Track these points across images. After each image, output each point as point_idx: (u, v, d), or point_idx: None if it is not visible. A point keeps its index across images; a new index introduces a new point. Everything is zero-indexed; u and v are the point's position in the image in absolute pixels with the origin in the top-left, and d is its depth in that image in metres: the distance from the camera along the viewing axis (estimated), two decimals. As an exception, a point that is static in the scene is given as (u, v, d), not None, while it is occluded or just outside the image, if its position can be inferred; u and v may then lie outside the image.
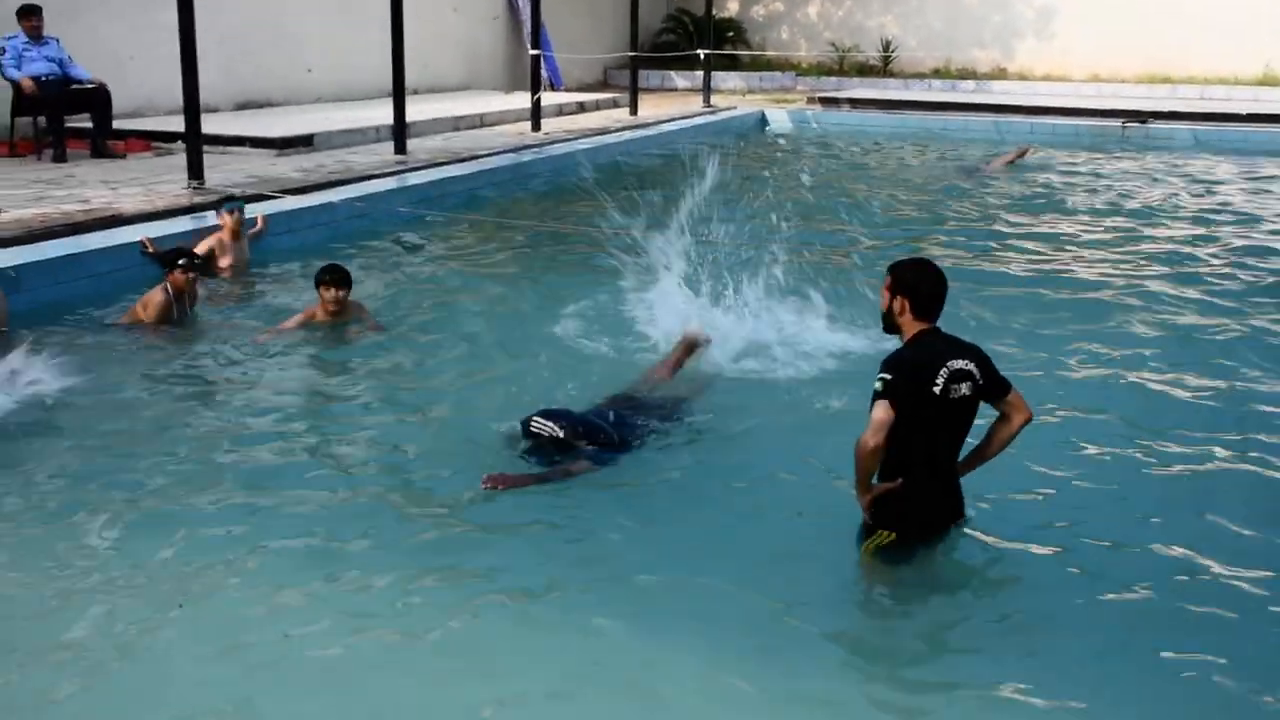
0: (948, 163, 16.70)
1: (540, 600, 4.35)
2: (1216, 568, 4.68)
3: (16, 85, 12.43)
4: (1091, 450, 5.82)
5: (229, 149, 13.34)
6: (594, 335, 7.36)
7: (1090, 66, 25.23)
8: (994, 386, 4.53)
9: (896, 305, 4.52)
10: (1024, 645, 4.17)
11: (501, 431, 5.71)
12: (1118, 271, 9.82)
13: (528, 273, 9.52)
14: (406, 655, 4.01)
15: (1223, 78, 23.80)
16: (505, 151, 14.74)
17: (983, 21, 26.44)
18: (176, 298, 7.59)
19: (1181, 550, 4.81)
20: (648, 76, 25.34)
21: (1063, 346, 7.53)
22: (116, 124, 13.31)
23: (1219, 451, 5.85)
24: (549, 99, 19.03)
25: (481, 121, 17.59)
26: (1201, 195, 13.96)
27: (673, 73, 26.45)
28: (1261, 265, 10.06)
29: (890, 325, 4.60)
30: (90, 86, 12.84)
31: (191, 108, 10.83)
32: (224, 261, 8.86)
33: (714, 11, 24.56)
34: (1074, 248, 10.87)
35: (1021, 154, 16.10)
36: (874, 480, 4.46)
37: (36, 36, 12.59)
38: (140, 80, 14.77)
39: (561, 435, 5.32)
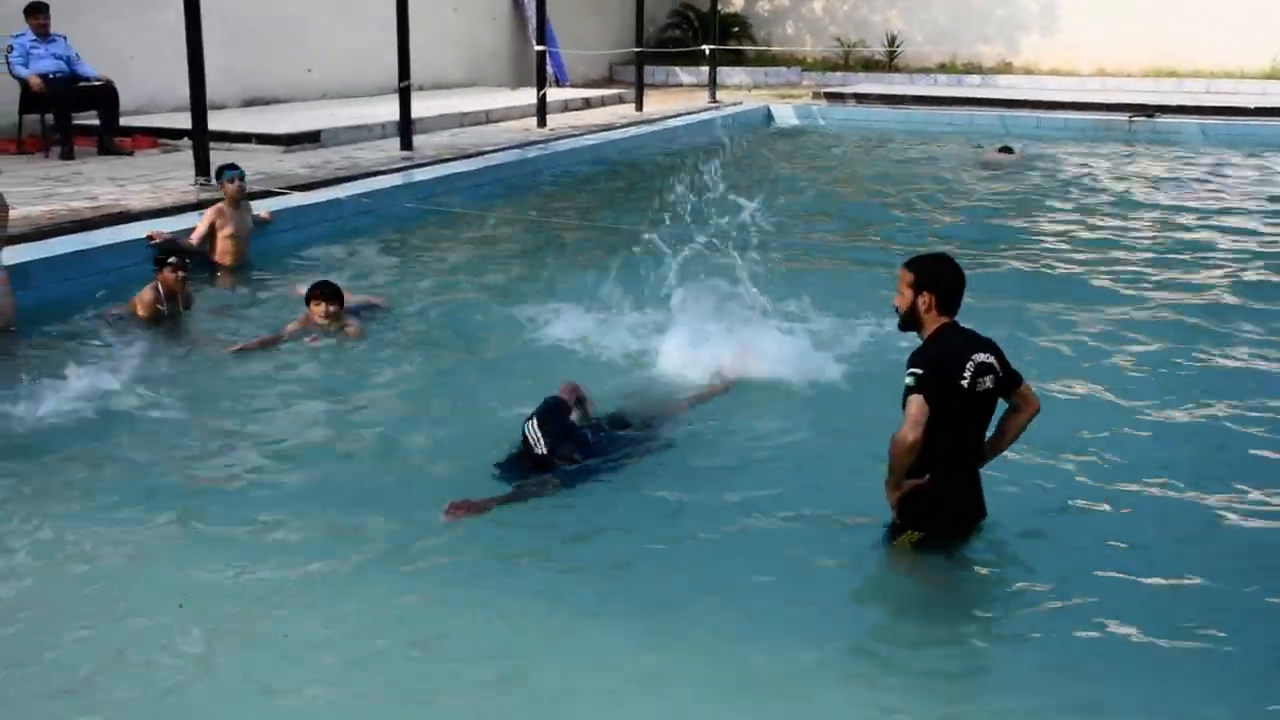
0: (951, 157, 16.69)
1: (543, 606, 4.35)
2: (1239, 557, 4.70)
3: (24, 83, 12.48)
4: (1111, 444, 5.83)
5: (235, 145, 13.36)
6: (595, 339, 7.23)
7: (1096, 61, 25.17)
8: (1010, 379, 4.54)
9: (920, 302, 4.49)
10: (1052, 642, 4.16)
11: (489, 435, 5.68)
12: (1123, 265, 9.82)
13: (531, 270, 9.51)
14: (403, 662, 4.00)
15: (1229, 71, 23.73)
16: (511, 148, 14.76)
17: (987, 16, 26.39)
18: (167, 297, 7.59)
19: (1207, 544, 4.83)
20: (653, 72, 25.31)
21: (1069, 338, 7.55)
22: (123, 121, 13.34)
23: (1241, 438, 5.87)
24: (555, 95, 19.04)
25: (487, 118, 17.60)
26: (1209, 189, 13.94)
27: (678, 68, 26.45)
28: (1276, 256, 10.06)
29: (910, 322, 4.57)
30: (97, 84, 12.88)
31: (198, 104, 10.86)
32: (225, 231, 8.87)
33: (719, 7, 24.55)
34: (1078, 241, 10.87)
35: (1008, 151, 16.01)
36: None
37: (44, 34, 12.63)
38: (143, 78, 14.79)
39: (543, 453, 5.24)
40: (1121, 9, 24.40)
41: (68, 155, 12.48)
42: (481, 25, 22.66)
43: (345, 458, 5.67)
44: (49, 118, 12.80)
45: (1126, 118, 19.38)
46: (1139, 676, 4.01)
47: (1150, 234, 11.27)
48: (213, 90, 12.86)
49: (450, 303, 8.39)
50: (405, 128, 14.01)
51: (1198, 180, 14.58)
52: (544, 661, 4.01)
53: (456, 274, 9.38)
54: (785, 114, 21.07)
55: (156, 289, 7.56)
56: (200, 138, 11.06)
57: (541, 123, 17.01)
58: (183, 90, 11.07)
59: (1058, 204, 12.88)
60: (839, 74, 26.25)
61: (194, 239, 8.78)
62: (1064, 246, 10.64)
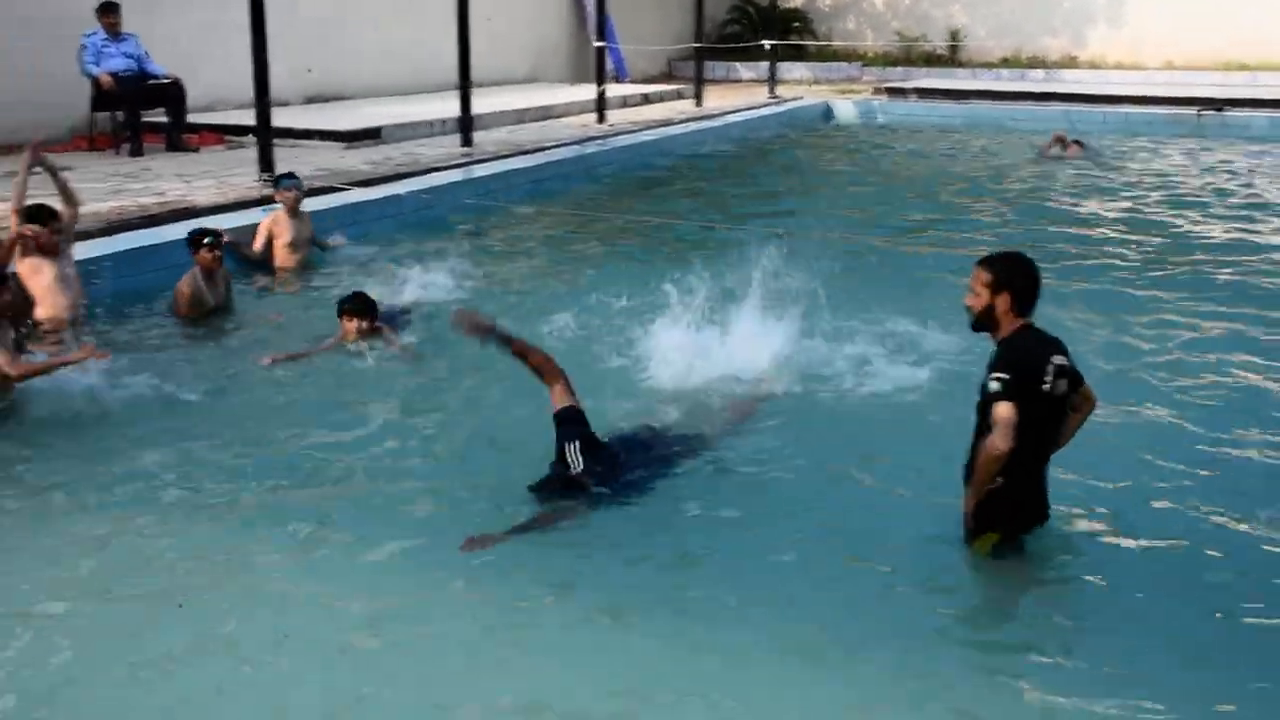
0: (1012, 152, 16.52)
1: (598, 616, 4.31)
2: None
3: (96, 81, 12.75)
4: (1174, 445, 5.74)
5: (299, 142, 13.57)
6: (640, 344, 6.95)
7: (1164, 54, 24.78)
8: (1077, 379, 4.47)
9: (999, 302, 4.39)
10: (1125, 645, 4.11)
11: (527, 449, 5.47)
12: (1190, 264, 9.68)
13: (583, 269, 9.44)
14: (453, 672, 3.99)
15: (1302, 64, 23.29)
16: (570, 143, 14.84)
17: (1053, 8, 26.08)
18: (206, 277, 7.75)
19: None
20: (713, 68, 25.29)
21: (1135, 337, 7.46)
22: (190, 118, 13.59)
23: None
24: (614, 91, 19.10)
25: (547, 114, 17.70)
26: None
27: (738, 64, 26.41)
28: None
29: (984, 323, 4.47)
30: (165, 82, 13.13)
31: (262, 102, 11.04)
32: (283, 239, 8.98)
33: (779, 2, 24.49)
34: (1141, 239, 10.73)
35: (1061, 142, 15.86)
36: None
37: (115, 33, 12.90)
38: (211, 76, 15.04)
39: (576, 474, 5.04)
40: (1191, 0, 24.02)
41: (137, 152, 12.73)
42: (542, 22, 22.78)
43: (372, 472, 5.52)
44: (119, 115, 13.07)
45: (1195, 112, 19.07)
46: (1210, 681, 3.96)
47: (1219, 233, 11.10)
48: (279, 87, 13.07)
49: (501, 303, 8.27)
50: (465, 124, 14.15)
51: (1267, 174, 14.33)
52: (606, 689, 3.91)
53: (511, 273, 9.38)
54: (845, 110, 21.00)
55: (194, 274, 7.72)
56: (264, 135, 11.24)
57: (601, 118, 17.09)
58: (249, 88, 11.23)
59: (1121, 200, 12.73)
60: (900, 69, 26.09)
61: (255, 247, 8.93)
62: (1126, 244, 10.50)
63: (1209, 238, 10.87)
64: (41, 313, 7.19)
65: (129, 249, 8.40)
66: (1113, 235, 10.88)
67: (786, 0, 27.59)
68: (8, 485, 5.28)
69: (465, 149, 13.85)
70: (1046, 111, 19.85)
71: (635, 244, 10.35)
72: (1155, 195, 13.00)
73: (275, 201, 9.14)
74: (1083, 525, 4.87)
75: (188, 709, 3.75)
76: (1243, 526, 4.94)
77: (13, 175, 7.45)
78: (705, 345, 6.68)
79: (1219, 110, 19.05)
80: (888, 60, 26.98)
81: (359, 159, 12.93)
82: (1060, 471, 4.73)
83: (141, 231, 8.87)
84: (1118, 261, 9.80)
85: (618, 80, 22.54)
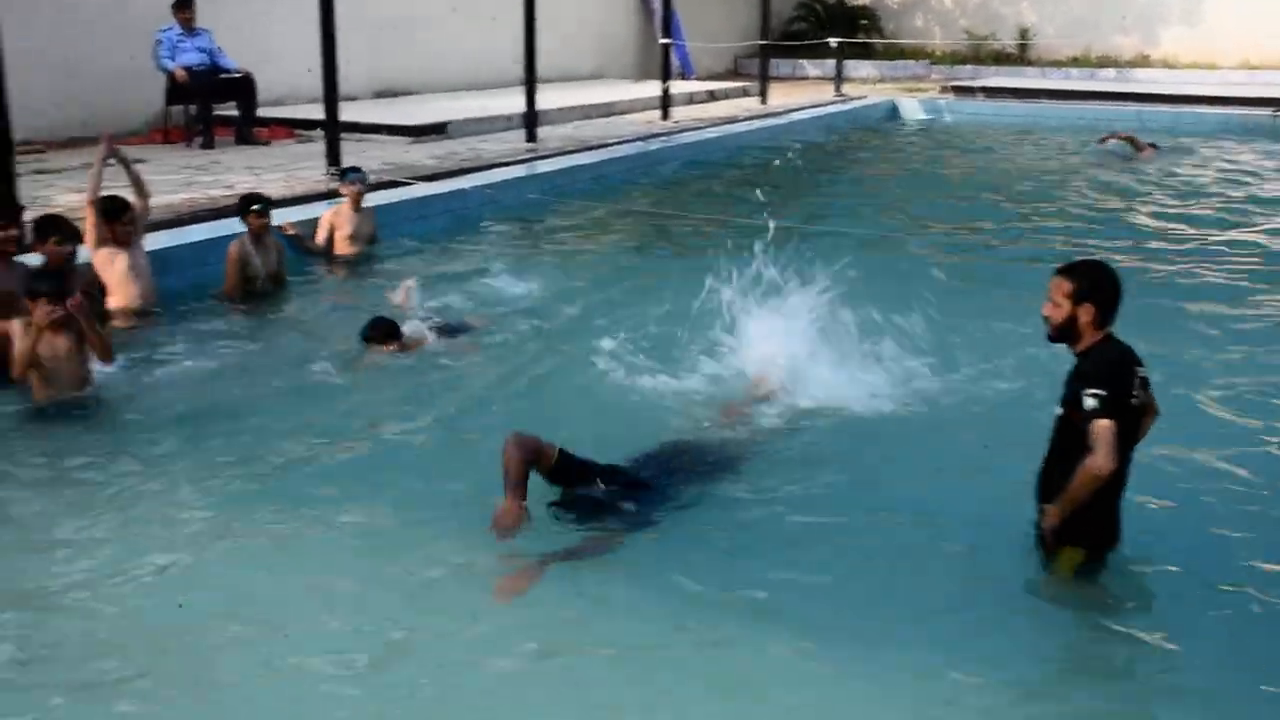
0: (1079, 153, 16.34)
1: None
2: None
3: (170, 75, 13.01)
4: (1262, 465, 5.57)
5: (366, 136, 13.76)
6: (694, 350, 6.76)
7: (1240, 53, 24.36)
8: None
9: (1081, 314, 4.25)
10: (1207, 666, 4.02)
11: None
12: (1260, 268, 9.52)
13: (638, 268, 9.47)
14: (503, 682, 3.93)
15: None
16: (633, 140, 14.90)
17: (1126, 6, 25.72)
18: (255, 242, 7.93)
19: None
20: (778, 65, 25.24)
21: (1203, 348, 7.30)
22: (261, 112, 13.82)
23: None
24: (679, 88, 19.14)
25: (612, 110, 17.78)
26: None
27: (804, 61, 26.34)
28: None
29: (1065, 335, 4.33)
30: (237, 76, 13.36)
31: (331, 96, 11.20)
32: (344, 231, 9.10)
33: (846, -1, 24.43)
34: (1214, 242, 10.57)
35: (1129, 141, 15.71)
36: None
37: (189, 28, 13.16)
38: (282, 70, 15.29)
39: (602, 498, 4.78)
40: (1268, -1, 23.60)
41: (208, 145, 12.97)
42: (609, 19, 22.88)
43: (416, 469, 5.44)
44: (192, 109, 13.32)
45: (1271, 112, 18.73)
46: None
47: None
48: (349, 81, 13.30)
49: (556, 303, 8.25)
50: (530, 120, 14.25)
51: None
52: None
53: (567, 269, 9.34)
54: (911, 108, 20.88)
55: (243, 240, 7.91)
56: (332, 129, 11.40)
57: (665, 115, 17.14)
58: (318, 82, 11.39)
59: (1192, 203, 12.54)
60: (968, 67, 25.89)
61: (318, 239, 9.08)
62: (1197, 248, 10.35)
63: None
64: (113, 302, 7.39)
65: (199, 240, 8.55)
66: (1181, 238, 10.73)
67: (854, -3, 27.49)
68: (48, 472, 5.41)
69: (529, 144, 13.95)
70: (1116, 111, 19.60)
71: (692, 241, 10.37)
72: (1227, 197, 12.79)
73: (341, 195, 9.27)
74: (1162, 545, 4.71)
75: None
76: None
77: (89, 167, 7.62)
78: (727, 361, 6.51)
79: (1294, 111, 18.69)
80: (955, 58, 26.77)
81: (424, 153, 13.08)
82: (1143, 487, 4.59)
83: (211, 223, 9.03)
84: (1186, 265, 9.67)
85: (683, 77, 22.59)
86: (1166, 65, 25.05)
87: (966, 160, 16.18)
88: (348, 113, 12.44)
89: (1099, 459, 4.07)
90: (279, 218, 9.16)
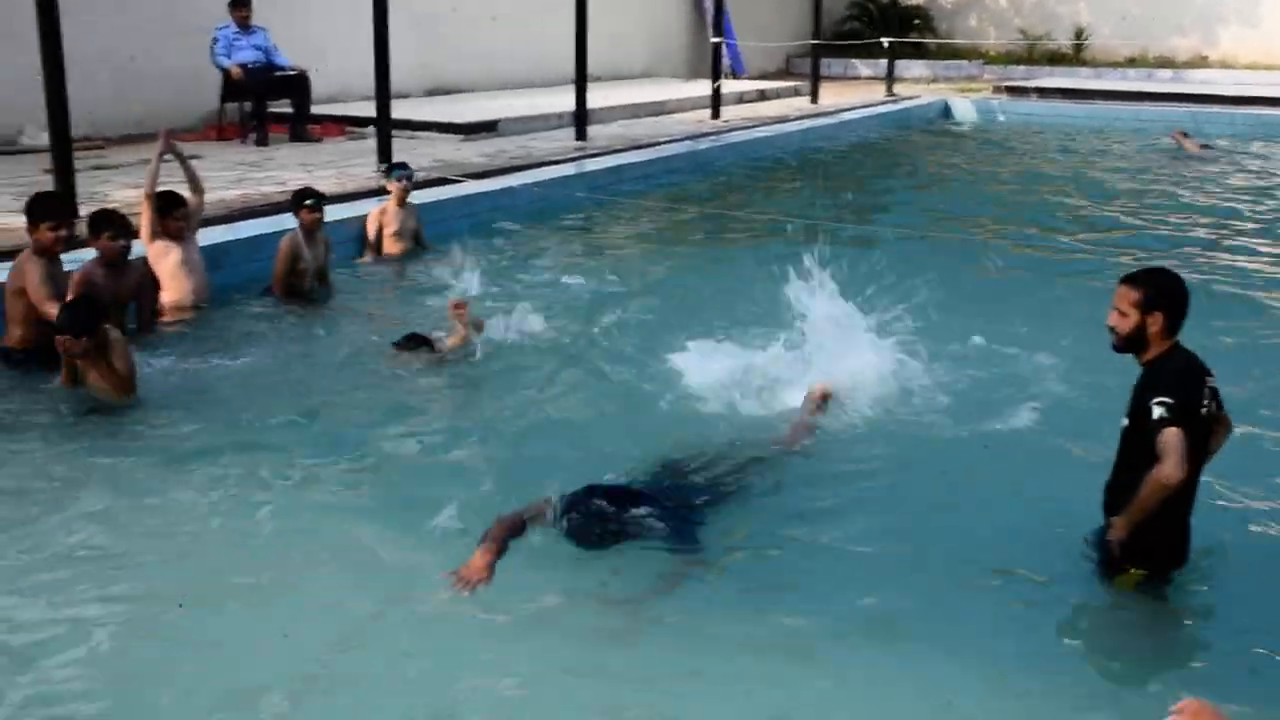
0: (1134, 155, 16.17)
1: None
2: None
3: (226, 72, 13.19)
4: None
5: (417, 134, 13.88)
6: (743, 357, 6.60)
7: (1302, 54, 24.00)
8: (1220, 401, 4.28)
9: (1150, 323, 4.18)
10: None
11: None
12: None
13: (682, 269, 9.45)
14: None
15: None
16: (683, 139, 14.92)
17: (1183, 7, 25.39)
18: (306, 236, 8.02)
19: None
20: (830, 65, 25.16)
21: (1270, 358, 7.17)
22: (314, 109, 13.99)
23: None
24: (730, 87, 19.13)
25: (662, 109, 17.81)
26: None
27: (856, 61, 26.22)
28: None
29: (1132, 344, 4.26)
30: (291, 73, 13.53)
31: (383, 94, 11.31)
32: (390, 229, 9.18)
33: (900, -1, 24.32)
34: (1270, 248, 10.45)
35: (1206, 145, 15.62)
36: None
37: (245, 26, 13.34)
38: (337, 67, 15.46)
39: (615, 526, 4.50)
40: (1331, -1, 23.22)
41: (262, 142, 13.15)
42: (660, 17, 22.92)
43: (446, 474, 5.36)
44: (247, 106, 13.51)
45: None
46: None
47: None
48: (401, 79, 13.41)
49: (600, 304, 8.19)
50: (580, 118, 14.31)
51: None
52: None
53: (610, 267, 9.36)
54: (964, 108, 20.75)
55: (295, 234, 8.00)
56: (384, 126, 11.51)
57: (715, 114, 17.14)
58: (371, 80, 11.50)
59: (1248, 207, 12.38)
60: (1022, 68, 25.67)
61: (369, 236, 9.16)
62: (1255, 253, 10.22)
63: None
64: (166, 296, 7.53)
65: (251, 236, 8.67)
66: (1240, 242, 10.60)
67: (907, -3, 27.33)
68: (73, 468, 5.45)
69: (579, 143, 14.02)
70: (1173, 112, 19.36)
71: (741, 241, 10.39)
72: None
73: (387, 191, 9.35)
74: (1233, 565, 4.58)
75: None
76: None
77: (146, 163, 7.76)
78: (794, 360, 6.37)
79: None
80: (1010, 59, 26.55)
81: (474, 151, 13.18)
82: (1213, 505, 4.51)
83: (263, 219, 9.15)
84: (1247, 271, 9.54)
85: (734, 76, 22.56)
86: (1225, 66, 24.71)
87: (1018, 161, 16.06)
88: (399, 110, 12.56)
89: (1167, 468, 3.97)
90: (331, 214, 9.31)
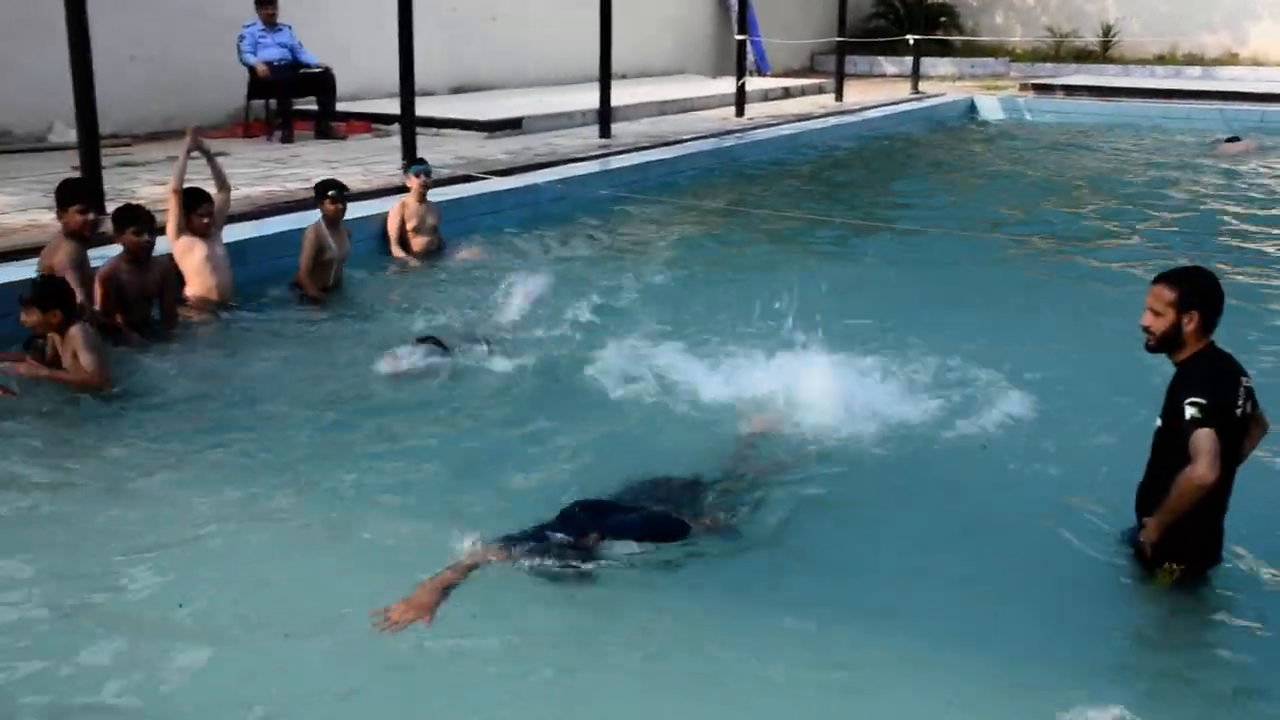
0: (1162, 153, 16.07)
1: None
2: None
3: (252, 70, 13.26)
4: None
5: (442, 131, 13.91)
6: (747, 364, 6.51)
7: (1334, 51, 23.79)
8: (1255, 401, 4.25)
9: (1186, 322, 4.16)
10: None
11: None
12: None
13: (714, 266, 9.41)
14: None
15: None
16: (707, 136, 14.91)
17: (1213, 3, 25.21)
18: (330, 226, 8.11)
19: None
20: (855, 62, 25.10)
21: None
22: (339, 106, 14.05)
23: None
24: (754, 84, 19.10)
25: (687, 106, 17.79)
26: None
27: (881, 58, 26.15)
28: None
29: (1167, 345, 4.23)
30: (317, 71, 13.59)
31: (408, 92, 11.34)
32: (410, 224, 9.19)
33: (926, -4, 24.22)
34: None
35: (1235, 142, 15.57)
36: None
37: (271, 24, 13.41)
38: (363, 64, 15.52)
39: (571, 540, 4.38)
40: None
41: (287, 139, 13.21)
42: (685, 15, 22.91)
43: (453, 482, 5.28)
44: (272, 103, 13.58)
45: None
46: None
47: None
48: (427, 76, 13.44)
49: (618, 304, 8.11)
50: (604, 115, 14.32)
51: None
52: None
53: (635, 268, 9.24)
54: (989, 106, 20.66)
55: (319, 224, 8.11)
56: (408, 124, 11.54)
57: (740, 112, 17.12)
58: (396, 77, 11.53)
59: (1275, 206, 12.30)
60: (1049, 65, 25.55)
61: (391, 232, 9.20)
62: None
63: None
64: (191, 292, 7.58)
65: (276, 232, 8.71)
66: (1267, 242, 10.53)
67: (933, -6, 27.21)
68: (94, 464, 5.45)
69: (603, 140, 14.03)
70: (1201, 109, 19.24)
71: (763, 239, 10.37)
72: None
73: (406, 187, 9.35)
74: (1263, 564, 4.53)
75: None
76: None
77: (173, 160, 7.81)
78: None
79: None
80: (1037, 56, 26.42)
81: (499, 148, 13.20)
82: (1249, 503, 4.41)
83: (288, 215, 9.20)
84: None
85: (759, 74, 22.53)
86: (1256, 63, 24.51)
87: (1043, 159, 15.97)
88: (424, 108, 12.58)
89: (1200, 469, 3.94)
90: (356, 211, 9.34)
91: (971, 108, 20.67)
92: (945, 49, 26.38)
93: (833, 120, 17.45)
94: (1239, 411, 4.11)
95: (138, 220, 6.91)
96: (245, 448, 5.58)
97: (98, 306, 6.77)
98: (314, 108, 13.80)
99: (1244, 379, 4.18)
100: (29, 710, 3.62)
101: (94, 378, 5.97)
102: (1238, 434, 4.13)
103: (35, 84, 12.03)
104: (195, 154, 7.70)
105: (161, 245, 7.41)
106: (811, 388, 5.93)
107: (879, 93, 21.62)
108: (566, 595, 4.25)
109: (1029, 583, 4.50)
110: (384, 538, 4.71)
